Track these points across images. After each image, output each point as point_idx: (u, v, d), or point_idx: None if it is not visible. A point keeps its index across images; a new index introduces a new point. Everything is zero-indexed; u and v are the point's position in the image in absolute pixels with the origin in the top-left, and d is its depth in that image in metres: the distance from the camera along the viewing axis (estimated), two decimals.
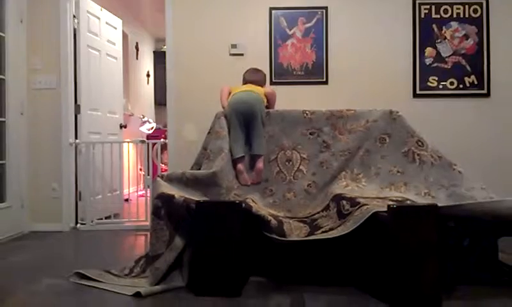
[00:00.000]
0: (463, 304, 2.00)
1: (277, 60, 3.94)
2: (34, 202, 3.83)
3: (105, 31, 4.51)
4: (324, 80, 3.92)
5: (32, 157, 3.84)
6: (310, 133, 2.94)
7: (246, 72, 3.30)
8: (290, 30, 3.95)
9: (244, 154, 2.84)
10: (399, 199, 2.44)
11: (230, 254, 2.12)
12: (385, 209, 2.01)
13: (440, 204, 2.05)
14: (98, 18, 4.39)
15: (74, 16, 4.01)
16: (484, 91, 3.88)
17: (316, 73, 3.93)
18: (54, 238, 3.56)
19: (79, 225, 3.95)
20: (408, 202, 2.38)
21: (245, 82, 3.21)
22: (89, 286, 2.25)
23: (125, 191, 4.72)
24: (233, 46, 3.92)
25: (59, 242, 3.49)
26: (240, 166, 2.81)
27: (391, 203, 2.13)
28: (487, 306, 1.99)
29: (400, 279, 1.93)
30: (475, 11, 3.88)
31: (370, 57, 3.91)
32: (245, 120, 2.87)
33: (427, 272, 1.93)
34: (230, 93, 3.06)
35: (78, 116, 4.02)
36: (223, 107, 3.04)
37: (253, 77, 3.23)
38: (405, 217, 1.96)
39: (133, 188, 5.57)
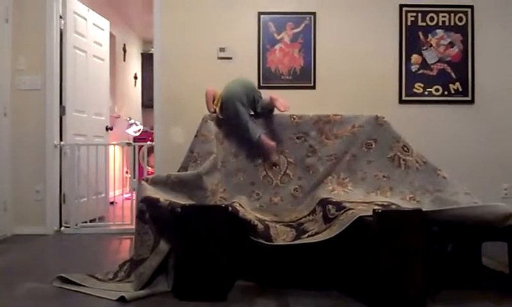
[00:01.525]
0: None
1: (265, 64, 3.95)
2: (18, 205, 3.76)
3: (92, 32, 4.47)
4: (312, 85, 3.94)
5: (15, 159, 3.78)
6: (297, 138, 2.95)
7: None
8: (278, 35, 3.96)
9: (263, 130, 2.90)
10: (385, 203, 2.46)
11: (215, 258, 2.11)
12: (370, 213, 2.02)
13: (424, 209, 2.07)
14: (85, 19, 4.35)
15: (61, 17, 3.97)
16: (469, 98, 3.95)
17: (304, 78, 3.95)
18: (38, 242, 3.50)
19: (63, 228, 3.89)
20: (393, 207, 2.40)
21: None
22: (72, 290, 2.22)
23: (111, 194, 4.67)
24: (222, 49, 3.92)
25: (42, 245, 3.43)
26: (267, 140, 2.84)
27: (376, 207, 2.15)
28: None
29: (385, 283, 1.94)
30: (460, 19, 3.95)
31: (358, 63, 3.95)
32: (248, 102, 2.91)
33: (411, 276, 1.94)
34: (214, 99, 3.06)
35: (63, 117, 3.97)
36: (209, 111, 3.05)
37: None
38: (390, 221, 1.97)
39: (119, 191, 5.51)
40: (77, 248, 3.35)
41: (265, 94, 3.07)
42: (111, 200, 4.61)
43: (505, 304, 2.05)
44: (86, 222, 3.98)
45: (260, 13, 3.94)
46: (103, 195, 4.32)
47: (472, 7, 3.94)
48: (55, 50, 3.86)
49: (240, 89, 2.91)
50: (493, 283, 2.31)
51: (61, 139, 3.93)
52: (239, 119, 2.86)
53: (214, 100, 3.07)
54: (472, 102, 3.94)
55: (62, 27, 3.98)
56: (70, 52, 4.04)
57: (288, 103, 2.87)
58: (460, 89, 3.94)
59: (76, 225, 3.88)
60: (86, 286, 2.24)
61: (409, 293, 1.95)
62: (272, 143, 2.85)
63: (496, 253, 2.44)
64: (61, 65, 3.95)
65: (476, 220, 2.05)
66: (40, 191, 3.79)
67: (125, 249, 3.37)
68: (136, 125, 6.52)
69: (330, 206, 2.34)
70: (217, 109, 2.98)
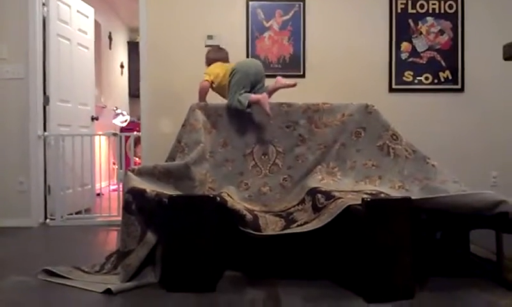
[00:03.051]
0: (436, 296, 2.02)
1: (254, 52, 3.90)
2: (1, 197, 3.69)
3: (76, 20, 4.36)
4: (301, 73, 3.91)
5: None
6: (287, 127, 2.92)
7: (209, 52, 3.28)
8: (267, 22, 3.91)
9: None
10: (373, 192, 2.45)
11: (203, 249, 2.08)
12: (359, 202, 2.01)
13: (413, 198, 2.06)
14: (69, 6, 4.24)
15: (43, 4, 3.86)
16: (458, 86, 3.95)
17: (293, 66, 3.92)
18: (22, 234, 3.44)
19: (48, 220, 3.83)
20: (382, 195, 2.39)
21: (210, 62, 3.19)
22: (58, 283, 2.18)
23: (97, 185, 4.60)
24: (210, 37, 3.86)
25: (27, 238, 3.37)
26: (256, 97, 2.82)
27: (365, 196, 2.13)
28: (459, 297, 2.01)
29: (374, 271, 1.94)
30: (450, 6, 3.94)
31: (347, 51, 3.92)
32: (254, 82, 2.93)
33: (400, 264, 1.94)
34: (210, 88, 3.04)
35: (47, 107, 3.88)
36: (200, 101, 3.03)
37: (218, 55, 3.23)
38: (379, 210, 1.96)
39: (105, 183, 5.44)
40: (63, 240, 3.30)
41: None
42: (98, 191, 4.54)
43: (493, 291, 2.06)
44: (71, 214, 3.92)
45: (248, 0, 3.88)
46: (89, 186, 4.25)
47: None
48: (38, 38, 3.77)
49: (253, 70, 2.95)
50: (481, 270, 2.33)
51: (44, 130, 3.85)
52: (236, 92, 2.85)
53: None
54: (461, 90, 3.95)
55: (45, 15, 3.88)
56: (53, 40, 3.94)
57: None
58: (450, 78, 3.94)
59: (62, 217, 3.81)
60: (71, 279, 2.20)
61: (398, 281, 1.95)
62: (260, 96, 2.82)
63: (485, 241, 2.45)
64: (44, 54, 3.85)
65: (465, 208, 2.04)
66: (23, 183, 3.72)
67: (112, 241, 3.33)
68: (123, 115, 6.43)
69: (319, 195, 2.32)
70: (225, 76, 2.98)
